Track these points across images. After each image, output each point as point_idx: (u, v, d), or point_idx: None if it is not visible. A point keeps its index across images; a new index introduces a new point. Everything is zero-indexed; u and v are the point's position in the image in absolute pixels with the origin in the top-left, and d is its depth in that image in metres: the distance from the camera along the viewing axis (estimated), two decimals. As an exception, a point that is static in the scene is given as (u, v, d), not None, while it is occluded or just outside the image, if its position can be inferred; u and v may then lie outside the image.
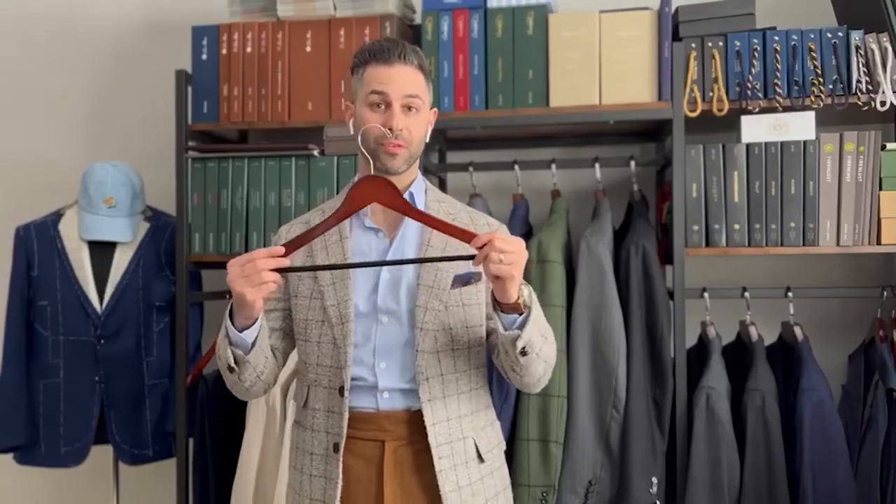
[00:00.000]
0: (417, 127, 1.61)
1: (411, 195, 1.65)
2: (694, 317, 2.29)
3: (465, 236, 1.51)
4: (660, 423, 2.15)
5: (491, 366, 1.74)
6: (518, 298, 1.47)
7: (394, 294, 1.60)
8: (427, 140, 1.66)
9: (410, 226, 1.64)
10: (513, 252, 1.43)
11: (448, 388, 1.59)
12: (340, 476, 1.56)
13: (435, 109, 1.70)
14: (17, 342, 2.41)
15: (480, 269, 1.48)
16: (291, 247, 1.54)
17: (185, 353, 2.38)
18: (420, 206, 1.65)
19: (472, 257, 1.46)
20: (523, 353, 1.49)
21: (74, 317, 2.39)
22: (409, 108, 1.60)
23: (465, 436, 1.59)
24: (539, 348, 1.52)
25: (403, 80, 1.60)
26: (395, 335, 1.59)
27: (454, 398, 1.59)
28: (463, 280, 1.52)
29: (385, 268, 1.61)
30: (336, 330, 1.59)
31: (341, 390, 1.58)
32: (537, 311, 1.52)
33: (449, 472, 1.56)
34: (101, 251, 2.43)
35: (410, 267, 1.60)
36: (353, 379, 1.58)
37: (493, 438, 1.67)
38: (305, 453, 1.62)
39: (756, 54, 2.15)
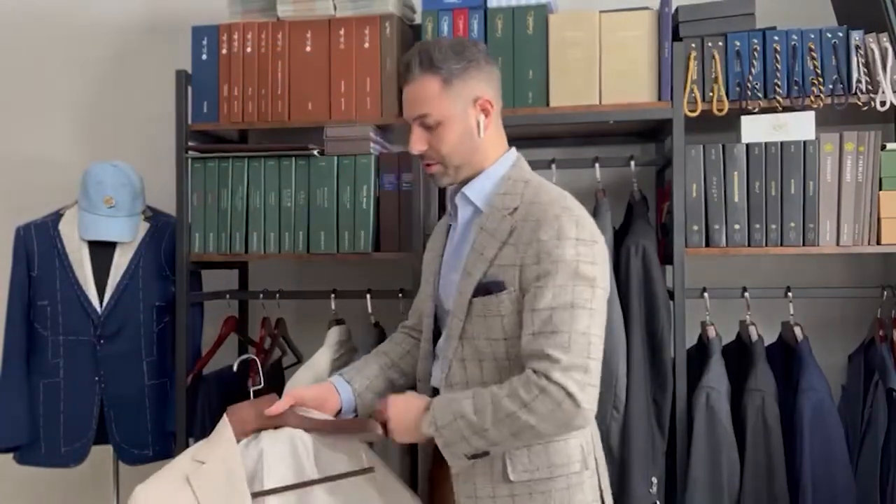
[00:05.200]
0: (441, 141, 1.57)
1: (464, 196, 1.64)
2: (694, 317, 2.29)
3: (350, 429, 1.62)
4: (660, 422, 2.15)
5: None
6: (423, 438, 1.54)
7: (446, 295, 1.64)
8: (481, 135, 1.60)
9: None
10: (392, 430, 1.54)
11: None
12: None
13: (481, 98, 1.60)
14: (18, 342, 2.41)
15: (502, 278, 1.51)
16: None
17: (185, 353, 2.38)
18: (478, 203, 1.62)
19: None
20: (476, 456, 1.50)
21: (74, 317, 2.39)
22: (428, 127, 1.57)
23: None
24: (483, 445, 1.48)
25: (411, 102, 1.59)
26: (445, 337, 1.61)
27: None
28: (483, 290, 1.54)
29: (445, 262, 1.68)
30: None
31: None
32: (450, 430, 1.48)
33: (465, 484, 1.54)
34: (101, 251, 2.43)
35: (461, 263, 1.61)
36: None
37: (537, 461, 1.54)
38: None
39: (756, 54, 2.15)
